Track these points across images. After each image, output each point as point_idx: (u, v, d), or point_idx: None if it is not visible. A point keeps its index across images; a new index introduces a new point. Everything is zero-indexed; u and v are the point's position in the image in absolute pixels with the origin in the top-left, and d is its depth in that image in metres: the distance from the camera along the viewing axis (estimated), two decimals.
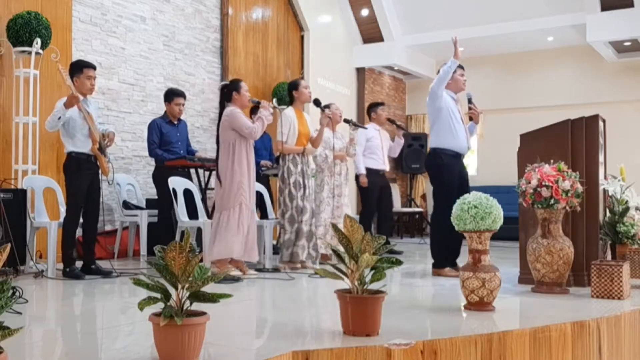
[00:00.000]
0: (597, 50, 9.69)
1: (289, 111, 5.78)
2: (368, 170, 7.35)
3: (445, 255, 5.31)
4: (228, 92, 5.37)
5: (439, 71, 5.32)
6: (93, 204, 5.21)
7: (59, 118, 4.95)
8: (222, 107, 5.42)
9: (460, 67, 5.42)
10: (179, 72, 7.80)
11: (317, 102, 5.94)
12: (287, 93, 5.96)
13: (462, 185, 5.27)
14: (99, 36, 6.85)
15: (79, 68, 5.16)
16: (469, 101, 5.52)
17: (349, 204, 6.63)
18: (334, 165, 6.41)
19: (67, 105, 4.91)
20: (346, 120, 6.90)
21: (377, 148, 7.46)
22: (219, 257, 5.10)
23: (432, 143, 5.44)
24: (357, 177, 7.38)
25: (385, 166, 7.60)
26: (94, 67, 5.27)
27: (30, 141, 5.94)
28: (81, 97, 5.04)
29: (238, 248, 5.14)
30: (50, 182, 5.71)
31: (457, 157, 5.39)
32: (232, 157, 5.23)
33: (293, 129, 5.69)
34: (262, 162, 7.12)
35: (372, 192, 7.35)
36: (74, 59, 6.33)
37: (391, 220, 9.00)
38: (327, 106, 6.17)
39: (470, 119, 5.57)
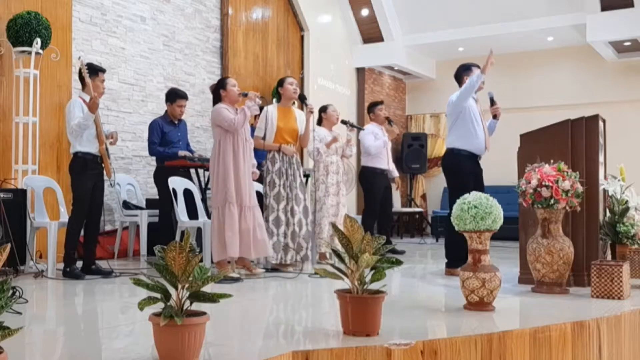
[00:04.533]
0: (597, 50, 9.69)
1: (271, 107, 5.74)
2: (373, 170, 7.33)
3: (459, 255, 5.29)
4: (217, 92, 5.34)
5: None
6: (96, 204, 5.23)
7: (88, 126, 5.05)
8: None
9: (477, 66, 5.55)
10: (179, 72, 7.80)
11: (301, 97, 5.94)
12: (276, 90, 5.94)
13: (477, 186, 5.26)
14: (99, 36, 6.85)
15: (94, 72, 5.22)
16: (492, 100, 5.60)
17: (345, 204, 6.58)
18: (330, 164, 6.37)
19: (92, 110, 4.99)
20: (343, 122, 6.89)
21: (381, 147, 7.45)
22: (217, 259, 5.07)
23: (449, 143, 5.49)
24: (362, 175, 7.39)
25: (389, 166, 7.61)
26: (105, 71, 5.37)
27: (30, 141, 5.93)
28: (87, 98, 5.12)
29: (234, 247, 5.05)
30: (50, 182, 5.71)
31: (474, 158, 5.45)
32: (219, 154, 5.14)
33: (271, 125, 5.62)
34: (263, 162, 7.12)
35: (378, 192, 7.35)
36: (74, 59, 6.36)
37: (391, 220, 8.99)
38: (303, 101, 6.04)
39: (494, 116, 5.65)
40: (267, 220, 5.57)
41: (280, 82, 5.90)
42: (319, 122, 6.59)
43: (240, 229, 5.09)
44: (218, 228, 5.07)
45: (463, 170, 5.36)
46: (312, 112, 5.72)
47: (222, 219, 5.07)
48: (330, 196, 6.31)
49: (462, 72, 5.63)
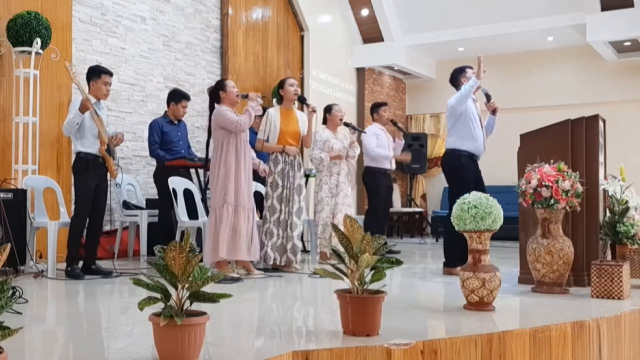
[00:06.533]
0: (597, 50, 9.69)
1: (273, 110, 5.76)
2: (377, 170, 7.34)
3: (458, 255, 5.29)
4: (215, 94, 5.34)
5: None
6: (99, 204, 5.23)
7: (77, 123, 5.03)
8: (212, 111, 5.40)
9: (470, 67, 5.60)
10: (179, 72, 7.80)
11: (301, 99, 5.94)
12: (276, 91, 5.96)
13: (478, 186, 5.25)
14: (99, 36, 6.85)
15: (97, 73, 5.23)
16: (487, 96, 5.66)
17: (351, 204, 6.57)
18: (333, 165, 6.36)
19: (82, 110, 4.99)
20: (346, 124, 6.88)
21: (384, 148, 7.44)
22: (212, 260, 5.06)
23: (449, 144, 5.54)
24: (366, 175, 7.36)
25: (392, 166, 7.61)
26: (111, 74, 5.36)
27: (30, 141, 5.93)
28: (94, 100, 5.12)
29: (225, 248, 5.03)
30: (50, 182, 5.71)
31: (473, 158, 5.51)
32: (221, 156, 5.14)
33: (274, 127, 5.63)
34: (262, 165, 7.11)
35: (381, 192, 7.35)
36: (74, 59, 6.37)
37: (389, 220, 8.97)
38: (303, 101, 6.03)
39: (493, 112, 5.70)
40: (268, 221, 5.57)
41: (281, 84, 5.89)
42: (324, 122, 6.60)
43: (240, 231, 5.08)
44: (215, 229, 5.07)
45: (464, 170, 5.40)
46: (314, 112, 5.71)
47: (218, 219, 5.07)
48: (334, 197, 6.33)
49: (457, 75, 5.67)
